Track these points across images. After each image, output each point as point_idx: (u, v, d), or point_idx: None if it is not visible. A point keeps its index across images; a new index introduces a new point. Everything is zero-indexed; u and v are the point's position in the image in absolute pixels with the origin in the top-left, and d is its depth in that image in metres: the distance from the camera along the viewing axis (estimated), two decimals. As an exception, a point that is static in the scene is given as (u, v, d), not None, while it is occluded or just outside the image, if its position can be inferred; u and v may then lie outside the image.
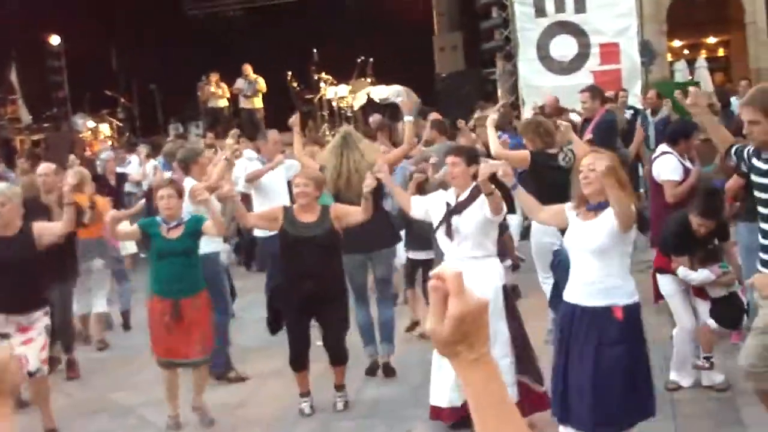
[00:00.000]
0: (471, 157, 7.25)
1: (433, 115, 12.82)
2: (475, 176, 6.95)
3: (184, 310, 7.62)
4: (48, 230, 7.84)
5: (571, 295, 6.12)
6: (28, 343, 7.58)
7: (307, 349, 7.97)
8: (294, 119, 10.17)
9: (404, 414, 7.73)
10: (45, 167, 9.92)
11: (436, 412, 7.23)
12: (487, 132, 8.97)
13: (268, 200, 9.96)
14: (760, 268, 5.98)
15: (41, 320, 7.71)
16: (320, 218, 7.73)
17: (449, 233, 7.05)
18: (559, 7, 19.98)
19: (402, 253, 10.92)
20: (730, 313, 7.46)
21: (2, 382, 2.23)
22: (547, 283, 8.69)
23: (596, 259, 5.92)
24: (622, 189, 5.82)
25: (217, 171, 8.89)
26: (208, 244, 8.37)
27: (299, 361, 7.96)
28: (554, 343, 6.48)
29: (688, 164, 8.77)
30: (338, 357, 8.03)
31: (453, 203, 7.11)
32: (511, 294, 7.37)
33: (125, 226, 8.09)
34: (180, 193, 7.84)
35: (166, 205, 7.68)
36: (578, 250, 6.07)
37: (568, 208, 6.20)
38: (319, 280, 7.65)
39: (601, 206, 5.87)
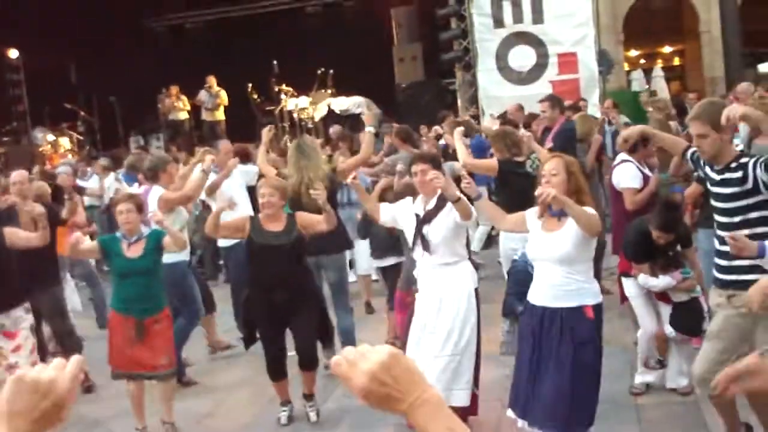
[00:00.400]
0: (437, 163, 7.37)
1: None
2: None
3: (147, 328, 7.59)
4: (19, 238, 7.86)
5: (538, 297, 6.23)
6: (18, 350, 7.62)
7: (284, 357, 7.96)
8: (266, 131, 10.28)
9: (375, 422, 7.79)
10: (18, 175, 9.83)
11: None
12: (456, 143, 9.12)
13: (232, 210, 10.06)
14: (715, 274, 6.06)
15: (25, 320, 7.75)
16: (287, 227, 7.76)
17: (424, 245, 7.15)
18: (517, 18, 20.15)
19: (364, 263, 11.05)
20: (690, 318, 7.60)
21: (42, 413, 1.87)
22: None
23: (562, 266, 6.05)
24: (579, 195, 6.03)
25: (193, 182, 9.00)
26: (174, 254, 8.39)
27: (275, 369, 7.95)
28: (518, 345, 6.58)
29: (647, 171, 8.91)
30: (306, 362, 7.93)
31: (422, 213, 7.22)
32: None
33: (86, 243, 8.03)
34: (140, 208, 7.83)
35: (125, 220, 7.62)
36: (543, 259, 6.21)
37: (529, 215, 6.35)
38: (288, 288, 7.69)
39: (564, 212, 6.01)
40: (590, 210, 6.03)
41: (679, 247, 7.66)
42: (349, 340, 8.93)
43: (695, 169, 6.34)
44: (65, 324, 9.61)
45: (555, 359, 6.08)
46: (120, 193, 10.43)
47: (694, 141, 5.84)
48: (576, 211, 5.86)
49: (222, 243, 10.37)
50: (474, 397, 7.15)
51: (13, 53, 27.58)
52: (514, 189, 8.67)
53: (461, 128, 9.64)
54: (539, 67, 19.87)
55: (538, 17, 20.00)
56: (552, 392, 6.08)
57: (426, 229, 7.11)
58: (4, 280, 7.64)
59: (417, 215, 7.22)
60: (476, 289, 7.23)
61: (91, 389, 9.40)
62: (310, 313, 7.92)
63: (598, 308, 6.13)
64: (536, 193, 5.92)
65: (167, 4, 27.92)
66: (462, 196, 6.80)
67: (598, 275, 7.47)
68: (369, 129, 9.72)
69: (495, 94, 19.91)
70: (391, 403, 1.88)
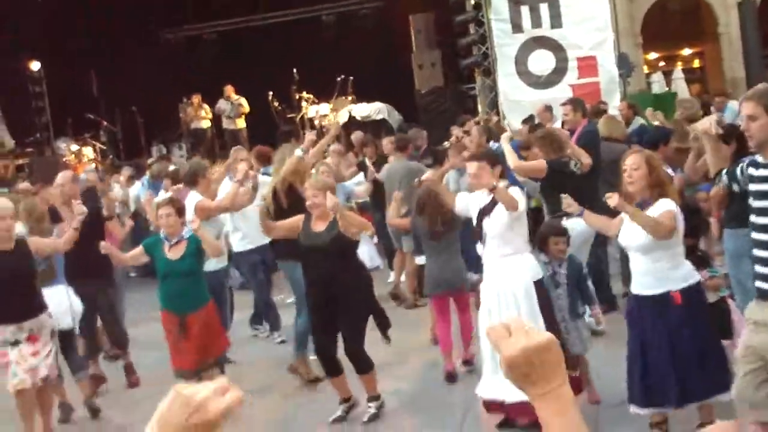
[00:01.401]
0: (493, 159, 7.59)
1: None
2: (502, 175, 7.51)
3: (190, 325, 7.88)
4: (45, 245, 8.07)
5: (634, 286, 6.60)
6: (36, 355, 7.86)
7: (334, 354, 8.04)
8: (309, 137, 10.32)
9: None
10: (63, 176, 9.96)
11: (487, 406, 7.56)
12: (503, 147, 9.27)
13: (244, 217, 10.21)
14: (760, 284, 5.67)
15: (47, 325, 7.99)
16: (329, 226, 7.86)
17: (482, 236, 7.32)
18: (536, 22, 20.19)
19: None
20: (720, 318, 7.65)
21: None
22: None
23: (644, 254, 6.39)
24: (662, 187, 6.44)
25: (229, 193, 9.16)
26: (213, 262, 8.61)
27: (329, 367, 8.06)
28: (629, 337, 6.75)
29: (669, 171, 8.98)
30: (356, 366, 8.00)
31: (483, 206, 7.43)
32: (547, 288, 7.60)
33: (134, 251, 8.40)
34: (180, 212, 8.08)
35: (166, 224, 8.01)
36: (629, 249, 6.58)
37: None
38: (332, 287, 7.80)
39: (646, 203, 6.27)
40: (665, 207, 6.32)
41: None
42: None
43: (730, 185, 6.04)
44: (118, 325, 9.90)
45: (654, 345, 6.40)
46: (149, 200, 10.65)
47: (743, 123, 5.60)
48: (639, 219, 6.23)
49: (236, 248, 10.57)
50: (576, 378, 7.27)
51: (35, 65, 27.76)
52: (563, 188, 8.77)
53: (508, 133, 9.87)
54: (559, 71, 19.90)
55: (556, 22, 20.03)
56: (655, 376, 6.35)
57: (485, 222, 7.30)
58: (30, 293, 7.90)
59: (479, 208, 7.43)
60: (540, 281, 7.35)
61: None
62: (354, 314, 7.96)
63: (689, 291, 6.42)
64: (636, 167, 6.37)
65: (183, 15, 28.00)
66: (497, 184, 7.04)
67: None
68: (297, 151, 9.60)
69: (515, 99, 19.95)
70: (528, 384, 1.97)
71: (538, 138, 10.06)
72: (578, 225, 8.06)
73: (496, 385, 7.19)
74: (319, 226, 7.88)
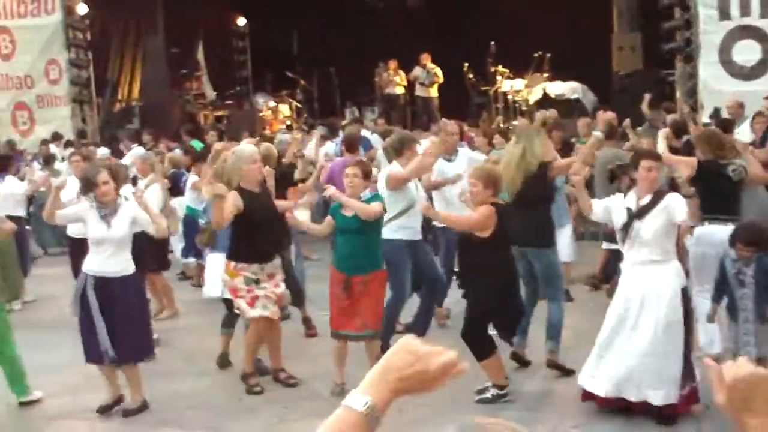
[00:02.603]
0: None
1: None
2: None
3: (354, 287, 8.11)
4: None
5: None
6: (277, 287, 8.54)
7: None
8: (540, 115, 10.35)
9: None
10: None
11: (588, 396, 7.55)
12: (659, 141, 9.21)
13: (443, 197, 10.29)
14: None
15: (277, 265, 8.66)
16: None
17: (629, 238, 7.24)
18: (744, 11, 19.51)
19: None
20: None
21: None
22: (700, 297, 8.49)
23: None
24: None
25: (416, 164, 9.29)
26: (396, 231, 8.80)
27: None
28: None
29: None
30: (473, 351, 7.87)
31: (634, 208, 7.29)
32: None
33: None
34: (366, 175, 8.29)
35: (350, 183, 8.20)
36: None
37: None
38: (467, 277, 8.17)
39: None
40: None
41: None
42: (552, 331, 8.79)
43: None
44: (294, 281, 10.25)
45: None
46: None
47: None
48: None
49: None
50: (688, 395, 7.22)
51: (241, 21, 28.69)
52: (710, 190, 8.62)
53: (667, 129, 9.73)
54: (764, 63, 19.24)
55: (766, 12, 19.35)
56: None
57: (637, 225, 7.18)
58: (276, 230, 8.75)
59: (628, 209, 7.30)
60: (684, 288, 7.28)
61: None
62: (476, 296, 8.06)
63: None
64: None
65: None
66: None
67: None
68: (597, 134, 9.43)
69: (716, 88, 19.37)
70: (745, 411, 1.99)
71: (698, 136, 9.76)
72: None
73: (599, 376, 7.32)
74: None
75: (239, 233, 8.33)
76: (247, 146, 9.36)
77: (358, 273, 8.18)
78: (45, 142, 21.14)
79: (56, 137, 21.80)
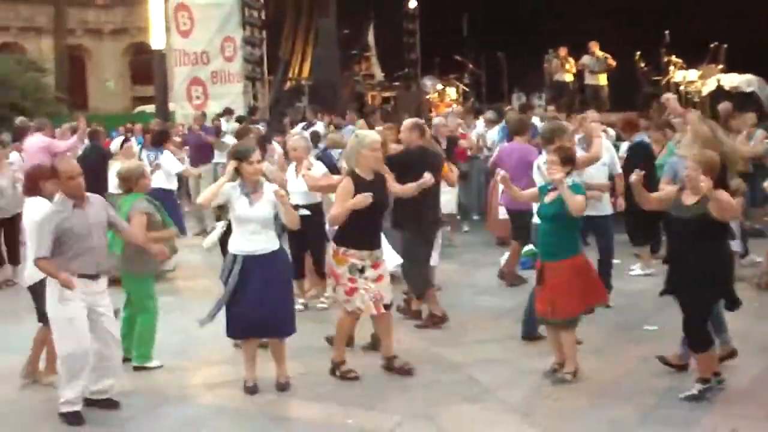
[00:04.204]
0: None
1: None
2: None
3: (545, 273, 8.08)
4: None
5: None
6: (380, 280, 8.39)
7: None
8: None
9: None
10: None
11: None
12: None
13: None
14: None
15: (381, 254, 8.58)
16: (699, 200, 7.50)
17: None
18: None
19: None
20: None
21: None
22: None
23: None
24: None
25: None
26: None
27: None
28: None
29: None
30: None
31: None
32: None
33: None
34: (565, 161, 8.18)
35: (550, 171, 8.13)
36: None
37: None
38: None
39: None
40: None
41: None
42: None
43: None
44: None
45: None
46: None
47: None
48: None
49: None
50: None
51: (412, 3, 28.92)
52: None
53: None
54: None
55: None
56: None
57: None
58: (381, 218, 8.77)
59: None
60: None
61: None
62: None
63: None
64: None
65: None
66: None
67: None
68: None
69: None
70: None
71: None
72: None
73: None
74: (687, 199, 7.70)
75: (348, 219, 8.25)
76: (370, 132, 9.33)
77: (549, 259, 8.14)
78: (218, 117, 21.76)
79: (228, 112, 22.39)
